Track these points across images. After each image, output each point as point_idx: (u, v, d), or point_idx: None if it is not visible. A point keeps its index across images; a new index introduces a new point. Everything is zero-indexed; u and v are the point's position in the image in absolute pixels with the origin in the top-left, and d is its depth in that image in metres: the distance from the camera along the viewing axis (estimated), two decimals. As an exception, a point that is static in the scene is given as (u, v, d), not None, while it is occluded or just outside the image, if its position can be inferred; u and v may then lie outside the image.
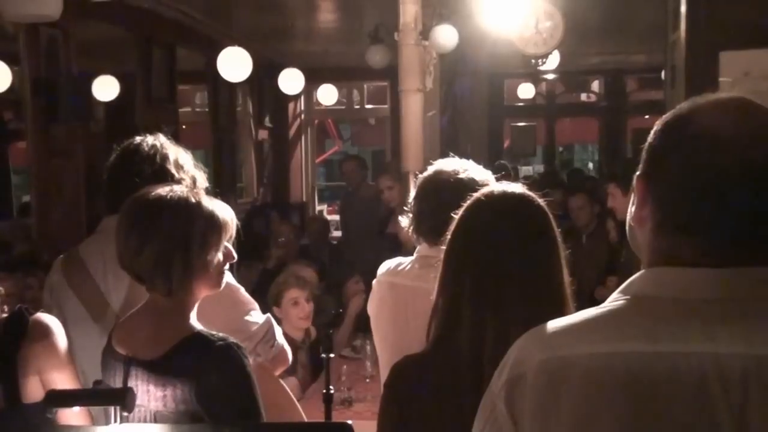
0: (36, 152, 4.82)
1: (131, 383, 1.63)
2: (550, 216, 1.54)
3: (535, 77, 10.50)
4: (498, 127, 10.70)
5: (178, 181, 1.99)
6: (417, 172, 2.15)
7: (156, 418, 1.60)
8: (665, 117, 1.02)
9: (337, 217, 8.40)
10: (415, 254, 2.09)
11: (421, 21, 4.53)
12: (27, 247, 4.73)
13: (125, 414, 1.50)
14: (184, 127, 8.05)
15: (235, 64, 5.85)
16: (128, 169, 2.05)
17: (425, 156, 4.01)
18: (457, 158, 2.09)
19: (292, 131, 9.99)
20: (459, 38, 4.89)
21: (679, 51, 4.32)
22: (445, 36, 4.80)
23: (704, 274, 0.95)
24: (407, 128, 4.51)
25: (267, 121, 9.13)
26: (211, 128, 7.68)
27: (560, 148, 15.40)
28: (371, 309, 2.18)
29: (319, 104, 10.05)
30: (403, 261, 2.11)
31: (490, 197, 1.55)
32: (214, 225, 1.68)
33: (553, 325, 1.02)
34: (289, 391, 2.29)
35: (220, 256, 1.71)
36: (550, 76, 10.46)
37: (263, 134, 9.14)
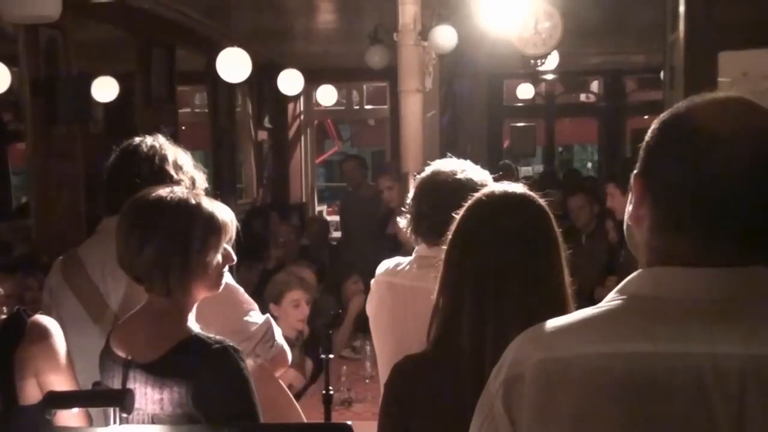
0: (35, 153, 4.82)
1: (129, 386, 1.63)
2: (551, 216, 1.55)
3: (534, 78, 10.51)
4: (497, 127, 10.70)
5: (177, 182, 1.99)
6: (415, 173, 2.15)
7: (153, 421, 1.60)
8: (662, 116, 1.02)
9: (336, 218, 8.40)
10: (413, 254, 2.09)
11: (421, 22, 4.54)
12: (27, 248, 4.73)
13: (124, 415, 1.50)
14: (183, 127, 8.05)
15: (234, 64, 5.85)
16: (127, 170, 2.05)
17: (425, 156, 4.01)
18: (454, 159, 2.10)
19: (291, 132, 9.99)
20: (458, 39, 4.89)
21: (678, 51, 4.33)
22: (445, 36, 4.80)
23: (702, 274, 0.95)
24: (407, 129, 4.51)
25: (266, 122, 9.13)
26: (210, 129, 7.68)
27: (560, 149, 15.41)
28: (370, 309, 2.18)
29: (319, 105, 10.05)
30: (402, 261, 2.11)
31: (491, 197, 1.56)
32: (213, 226, 1.68)
33: (551, 324, 1.01)
34: (288, 392, 2.29)
35: (219, 257, 1.71)
36: (550, 77, 10.46)
37: (263, 135, 9.14)
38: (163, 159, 2.08)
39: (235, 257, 1.76)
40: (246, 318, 2.11)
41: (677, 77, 4.36)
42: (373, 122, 12.72)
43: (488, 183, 1.93)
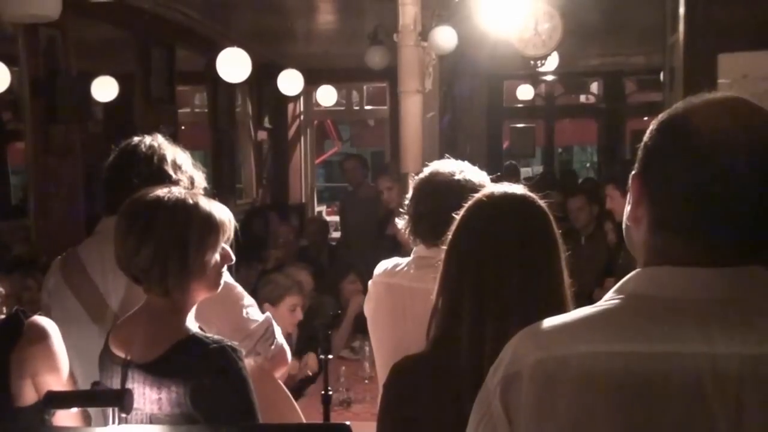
0: (35, 152, 4.82)
1: (128, 386, 1.63)
2: (551, 217, 1.55)
3: (534, 79, 10.51)
4: (497, 128, 10.70)
5: (176, 182, 1.99)
6: (414, 174, 2.15)
7: (151, 421, 1.60)
8: (661, 116, 1.02)
9: (336, 219, 8.39)
10: (412, 255, 2.09)
11: (421, 22, 4.54)
12: (26, 248, 4.73)
13: (123, 415, 1.50)
14: (183, 127, 8.05)
15: (234, 64, 5.86)
16: (126, 170, 2.05)
17: (424, 157, 4.01)
18: (452, 160, 2.10)
19: (291, 132, 9.99)
20: (458, 40, 4.89)
21: (678, 53, 4.33)
22: (445, 37, 4.80)
23: (700, 274, 0.95)
24: (406, 129, 4.51)
25: (266, 122, 9.13)
26: (210, 129, 7.68)
27: (559, 150, 15.41)
28: (368, 310, 2.18)
29: (319, 105, 10.05)
30: (400, 262, 2.11)
31: (491, 198, 1.56)
32: (211, 226, 1.68)
33: (549, 323, 1.02)
34: (287, 392, 2.29)
35: (217, 257, 1.71)
36: (550, 78, 10.46)
37: (262, 135, 9.14)
38: (162, 159, 2.08)
39: (233, 257, 1.75)
40: (246, 316, 2.10)
41: (677, 79, 4.37)
42: (372, 123, 12.72)
43: (486, 184, 1.93)
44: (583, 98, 12.59)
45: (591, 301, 1.04)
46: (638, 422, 0.91)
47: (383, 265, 2.15)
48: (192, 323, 1.70)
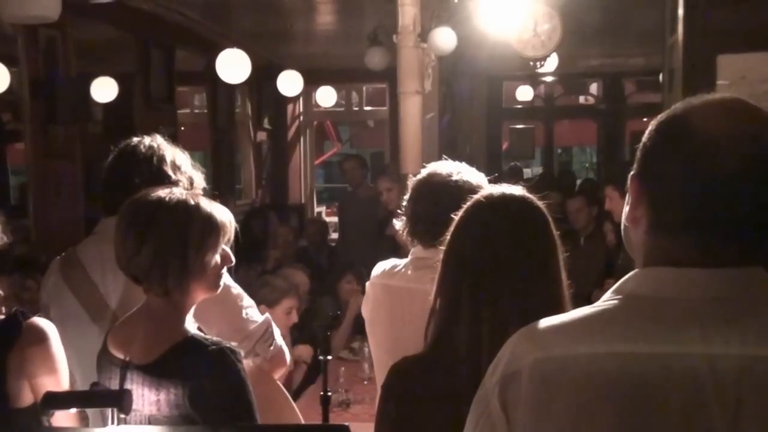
0: (34, 153, 4.82)
1: (127, 387, 1.63)
2: (550, 218, 1.55)
3: (533, 80, 10.52)
4: (496, 129, 10.71)
5: (176, 182, 1.98)
6: (411, 175, 2.15)
7: (150, 422, 1.60)
8: (659, 117, 1.02)
9: (335, 219, 8.39)
10: (409, 256, 2.09)
11: (420, 23, 4.54)
12: (25, 249, 4.73)
13: (122, 416, 1.50)
14: (182, 128, 8.05)
15: (234, 65, 5.85)
16: (125, 171, 2.05)
17: (424, 158, 4.01)
18: (450, 161, 2.10)
19: (290, 133, 10.00)
20: (458, 41, 4.89)
21: (677, 54, 4.34)
22: (444, 38, 4.80)
23: (698, 275, 0.96)
24: (406, 130, 4.52)
25: (266, 123, 9.13)
26: (209, 130, 7.68)
27: (559, 151, 15.40)
28: (366, 311, 2.18)
29: (318, 106, 10.05)
30: (398, 263, 2.11)
31: (490, 199, 1.56)
32: (212, 227, 1.68)
33: (547, 323, 1.02)
34: (286, 393, 2.29)
35: (217, 258, 1.70)
36: (549, 79, 10.47)
37: (262, 136, 9.14)
38: (161, 159, 2.08)
39: (233, 258, 1.75)
40: (245, 317, 2.10)
41: (676, 80, 4.37)
42: (372, 123, 12.71)
43: (484, 185, 1.93)
44: (582, 99, 12.60)
45: (590, 302, 1.04)
46: (637, 423, 0.91)
47: (381, 267, 2.16)
48: (191, 324, 1.70)
